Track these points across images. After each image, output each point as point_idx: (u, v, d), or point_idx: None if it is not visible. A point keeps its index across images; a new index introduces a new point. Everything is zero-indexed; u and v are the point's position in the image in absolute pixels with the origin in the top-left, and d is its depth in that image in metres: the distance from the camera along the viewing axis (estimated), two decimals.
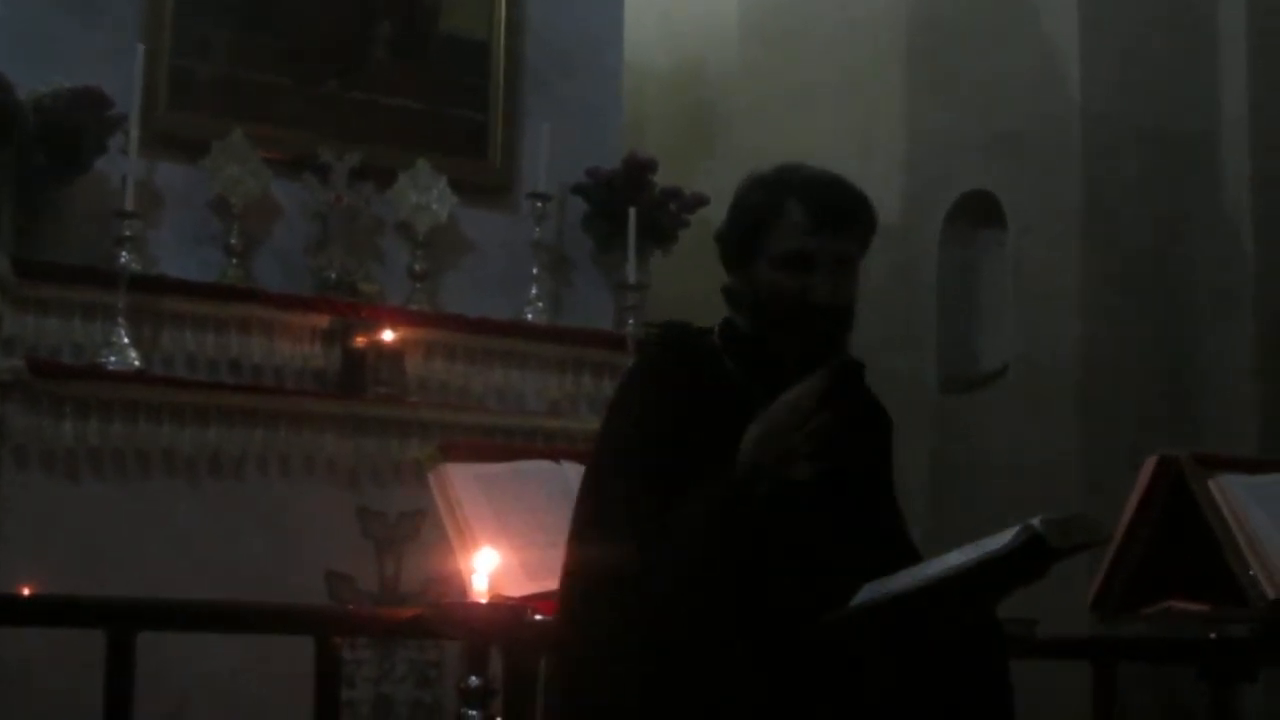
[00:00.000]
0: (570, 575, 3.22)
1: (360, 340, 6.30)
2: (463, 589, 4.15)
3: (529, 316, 6.87)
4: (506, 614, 3.99)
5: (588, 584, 3.15)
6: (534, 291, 6.92)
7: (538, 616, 3.99)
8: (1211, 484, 4.71)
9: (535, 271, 6.96)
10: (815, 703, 2.97)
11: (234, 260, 6.39)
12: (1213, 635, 4.81)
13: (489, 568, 4.05)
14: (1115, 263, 7.03)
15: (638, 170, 7.16)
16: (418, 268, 6.74)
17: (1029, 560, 2.96)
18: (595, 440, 3.35)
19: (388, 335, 6.32)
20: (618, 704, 3.04)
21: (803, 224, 3.23)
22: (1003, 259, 7.42)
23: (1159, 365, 7.04)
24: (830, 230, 3.25)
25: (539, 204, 6.95)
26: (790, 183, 3.29)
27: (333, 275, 6.53)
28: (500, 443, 6.14)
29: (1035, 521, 2.89)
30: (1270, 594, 4.50)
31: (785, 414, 3.00)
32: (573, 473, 4.31)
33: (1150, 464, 4.82)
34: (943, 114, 7.69)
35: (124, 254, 5.94)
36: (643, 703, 3.01)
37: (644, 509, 3.06)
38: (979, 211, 7.54)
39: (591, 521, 3.20)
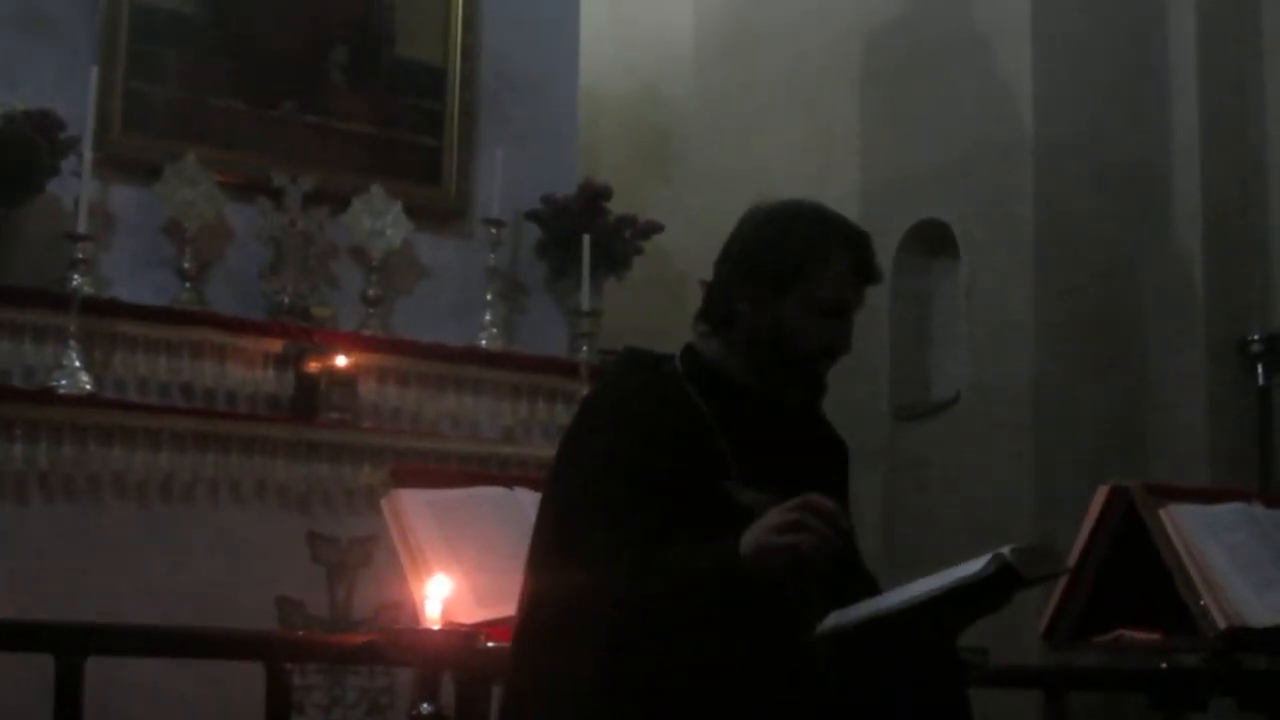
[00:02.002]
0: (531, 602, 3.19)
1: (313, 365, 6.27)
2: (415, 615, 4.14)
3: (483, 342, 6.86)
4: (459, 641, 3.97)
5: (551, 611, 3.13)
6: (488, 317, 6.92)
7: (490, 643, 3.98)
8: (1163, 513, 4.73)
9: (489, 297, 6.95)
10: None
11: (187, 284, 6.37)
12: (1164, 665, 4.83)
13: (441, 594, 4.04)
14: (1067, 292, 7.06)
15: (592, 197, 7.16)
16: (371, 293, 6.73)
17: (996, 589, 2.98)
18: (553, 466, 3.32)
19: (341, 360, 6.30)
20: None
21: (848, 275, 3.29)
22: (955, 288, 7.44)
23: (1111, 394, 7.06)
24: (866, 285, 3.33)
25: (493, 230, 6.94)
26: (833, 230, 3.32)
27: (286, 300, 6.51)
28: (454, 469, 6.11)
29: (1006, 551, 2.91)
30: (1221, 623, 4.52)
31: (822, 515, 2.96)
32: (526, 499, 4.31)
33: (1102, 493, 4.85)
34: (897, 142, 7.72)
35: (76, 277, 5.92)
36: None
37: (610, 537, 3.04)
38: (932, 240, 7.56)
39: (554, 549, 3.17)
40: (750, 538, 2.93)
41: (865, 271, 3.31)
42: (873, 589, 3.25)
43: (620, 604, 2.99)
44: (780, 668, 3.02)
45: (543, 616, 3.14)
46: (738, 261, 3.33)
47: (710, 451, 3.20)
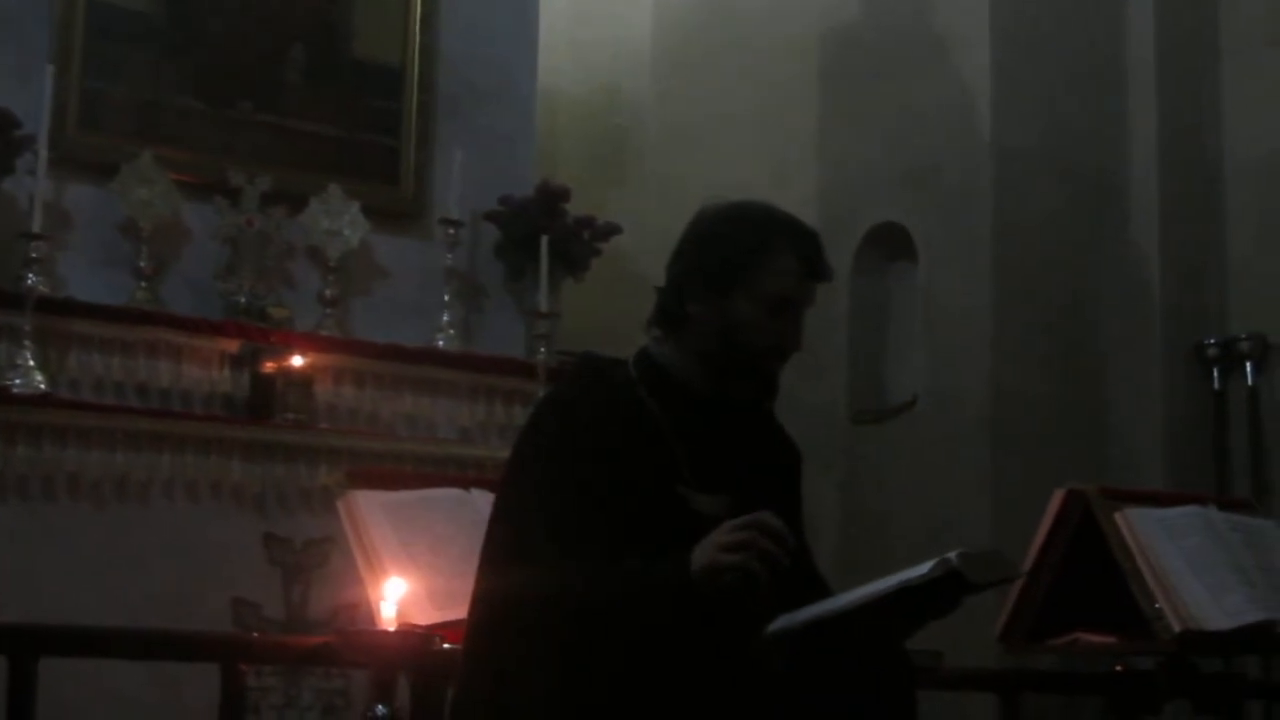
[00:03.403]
0: (484, 606, 3.18)
1: (269, 365, 6.25)
2: (371, 617, 4.13)
3: (440, 343, 6.84)
4: (414, 642, 3.97)
5: (501, 612, 3.12)
6: (445, 318, 6.90)
7: (445, 645, 3.98)
8: (1118, 517, 4.75)
9: (446, 298, 6.93)
10: None
11: (143, 283, 6.33)
12: (1119, 667, 4.85)
13: (397, 596, 4.03)
14: (1025, 296, 7.08)
15: (551, 198, 7.14)
16: (328, 293, 6.70)
17: (943, 594, 2.98)
18: (506, 470, 3.31)
19: (297, 361, 6.28)
20: None
21: (794, 270, 3.27)
22: (913, 291, 7.45)
23: (1067, 398, 7.09)
24: (814, 280, 3.31)
25: (451, 230, 6.92)
26: (779, 226, 3.31)
27: (242, 300, 6.48)
28: (409, 470, 6.09)
29: (952, 556, 2.91)
30: (1175, 627, 4.54)
31: (771, 534, 2.95)
32: (482, 501, 4.29)
33: (1058, 497, 4.85)
34: (855, 146, 7.73)
35: (31, 275, 5.89)
36: None
37: (561, 544, 3.04)
38: (890, 243, 7.57)
39: (506, 555, 3.16)
40: (701, 554, 2.94)
41: (812, 267, 3.30)
42: (825, 595, 3.25)
43: (573, 611, 2.99)
44: (729, 677, 3.02)
45: (496, 620, 3.13)
46: (687, 262, 3.33)
47: (663, 456, 3.20)
